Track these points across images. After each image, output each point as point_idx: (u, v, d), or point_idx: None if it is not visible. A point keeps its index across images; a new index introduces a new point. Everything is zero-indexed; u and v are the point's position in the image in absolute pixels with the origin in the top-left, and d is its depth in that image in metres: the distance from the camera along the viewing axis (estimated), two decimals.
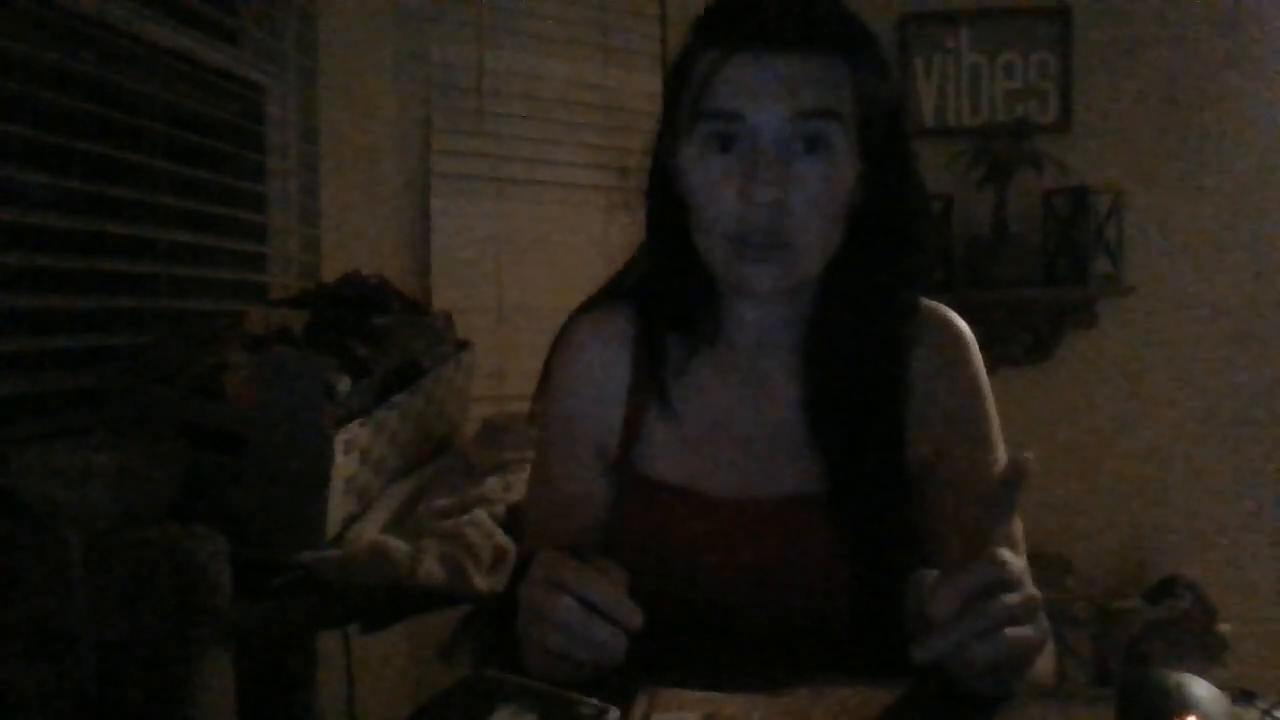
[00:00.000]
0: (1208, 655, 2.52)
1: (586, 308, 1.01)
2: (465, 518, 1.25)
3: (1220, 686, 0.64)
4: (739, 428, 0.94)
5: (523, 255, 2.31)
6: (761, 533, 0.89)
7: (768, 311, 0.94)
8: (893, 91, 0.89)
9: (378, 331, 1.34)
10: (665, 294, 0.95)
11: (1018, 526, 0.93)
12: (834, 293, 0.92)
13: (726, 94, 0.83)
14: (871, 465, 0.89)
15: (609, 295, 1.01)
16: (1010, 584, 0.67)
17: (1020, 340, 2.85)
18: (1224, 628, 2.59)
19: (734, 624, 0.90)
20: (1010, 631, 0.66)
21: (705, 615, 0.90)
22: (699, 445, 0.93)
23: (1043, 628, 0.70)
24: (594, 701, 0.65)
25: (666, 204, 0.92)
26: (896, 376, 0.92)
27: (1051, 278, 2.78)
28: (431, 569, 1.17)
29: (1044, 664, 0.82)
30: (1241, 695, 0.69)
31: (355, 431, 1.22)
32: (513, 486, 1.36)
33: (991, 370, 0.98)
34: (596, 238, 2.41)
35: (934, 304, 0.98)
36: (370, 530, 1.23)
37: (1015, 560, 0.69)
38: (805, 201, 0.84)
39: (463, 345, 1.57)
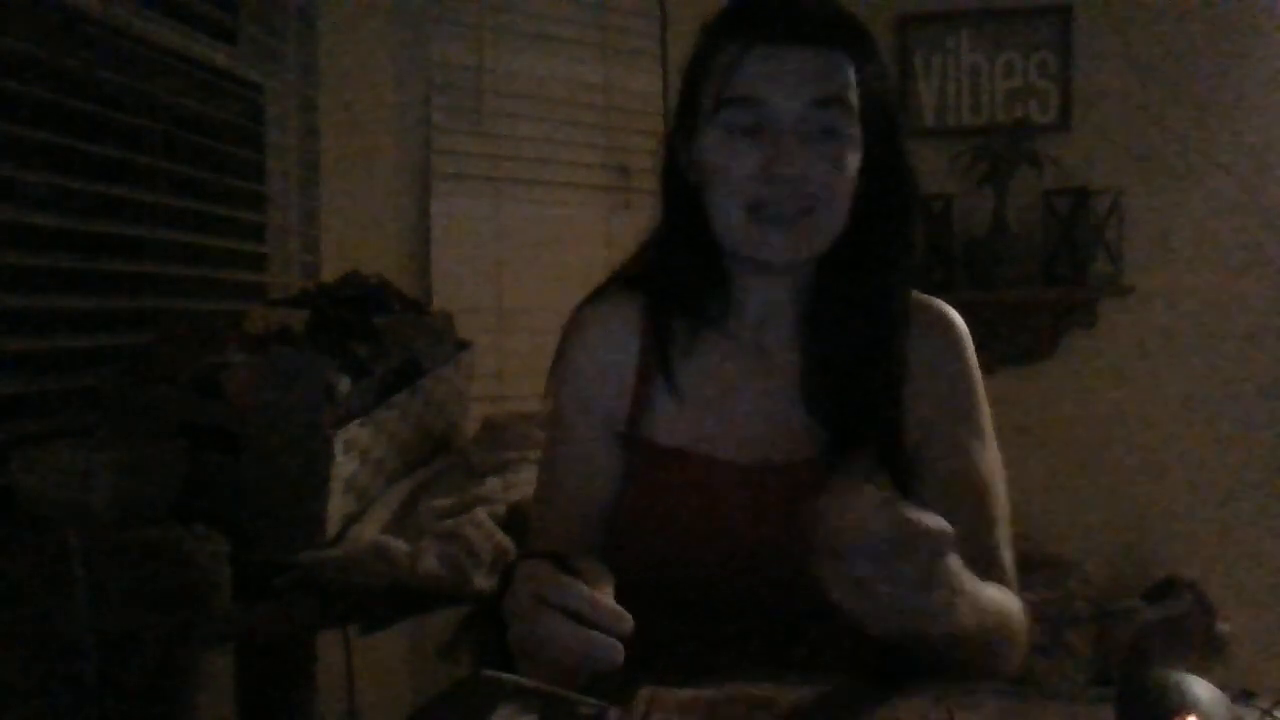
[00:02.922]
0: (1208, 655, 2.52)
1: (596, 295, 1.06)
2: (465, 518, 1.25)
3: (1220, 686, 0.64)
4: (742, 397, 0.98)
5: (523, 255, 2.31)
6: (763, 494, 0.93)
7: (770, 291, 0.99)
8: (889, 87, 0.95)
9: (378, 331, 1.34)
10: (674, 279, 1.00)
11: (1004, 514, 0.97)
12: (831, 273, 0.98)
13: (749, 82, 0.90)
14: (867, 431, 0.94)
15: (617, 284, 1.06)
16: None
17: (1020, 340, 2.85)
18: (1224, 628, 2.59)
19: (737, 586, 0.92)
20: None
21: (709, 578, 0.92)
22: (704, 414, 0.98)
23: (938, 602, 0.66)
24: (594, 701, 0.65)
25: (680, 192, 0.98)
26: (891, 350, 0.97)
27: (1051, 278, 2.78)
28: (431, 568, 1.17)
29: (1009, 656, 0.86)
30: (1241, 695, 0.69)
31: (355, 431, 1.22)
32: (513, 486, 1.36)
33: (991, 370, 0.99)
34: (596, 238, 2.41)
35: (929, 298, 1.03)
36: (370, 530, 1.23)
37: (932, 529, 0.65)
38: (823, 177, 0.90)
39: (463, 345, 1.57)
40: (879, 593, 0.64)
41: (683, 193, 0.97)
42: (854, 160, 0.92)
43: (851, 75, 0.91)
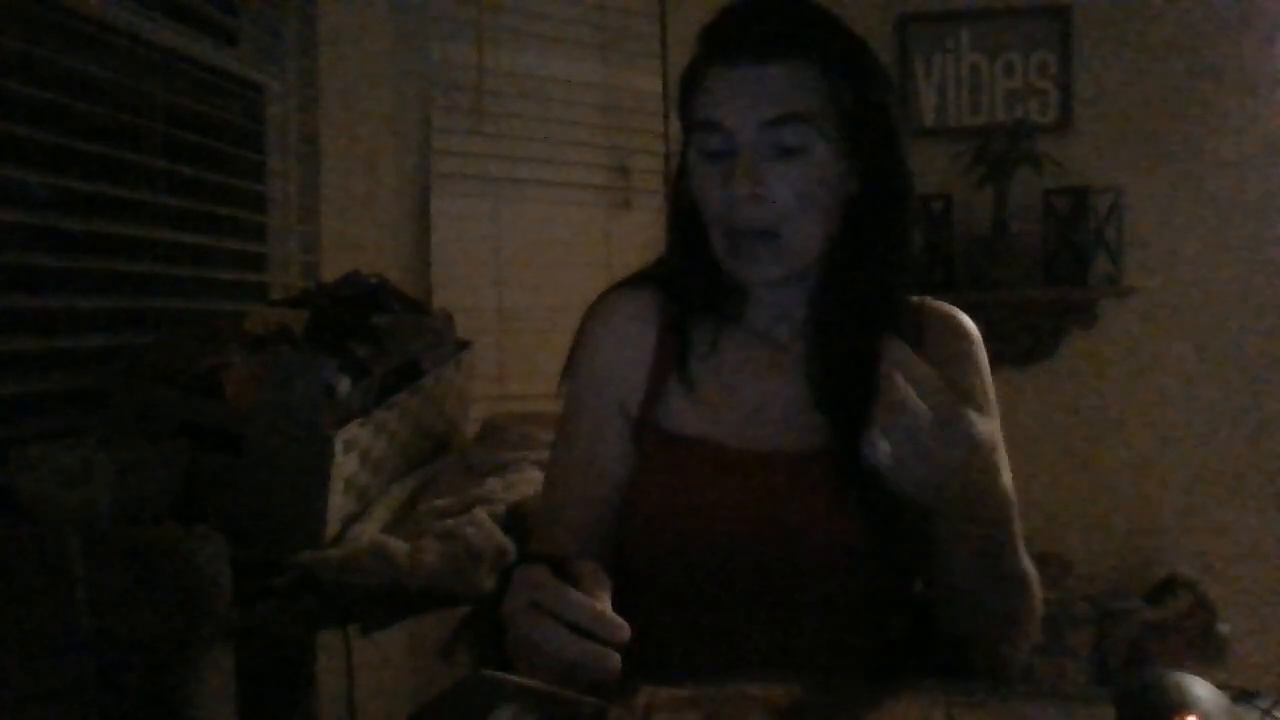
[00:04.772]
0: (1208, 655, 2.52)
1: (616, 287, 1.08)
2: (465, 518, 1.25)
3: (1220, 686, 0.64)
4: (753, 389, 1.00)
5: (523, 255, 2.31)
6: (772, 482, 0.95)
7: (779, 294, 1.01)
8: (878, 88, 0.95)
9: (378, 331, 1.34)
10: (690, 281, 1.03)
11: (1017, 516, 0.96)
12: (835, 272, 1.00)
13: (706, 105, 0.93)
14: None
15: (637, 278, 1.08)
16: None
17: (1020, 340, 2.85)
18: (1224, 628, 2.59)
19: (744, 572, 0.92)
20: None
21: (717, 564, 0.93)
22: (716, 404, 1.00)
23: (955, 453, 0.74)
24: (594, 701, 0.65)
25: (685, 202, 1.00)
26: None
27: (1051, 278, 2.78)
28: (431, 569, 1.17)
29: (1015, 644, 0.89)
30: (1241, 695, 0.69)
31: (355, 431, 1.22)
32: (513, 486, 1.36)
33: (991, 370, 0.99)
34: (596, 238, 2.40)
35: (944, 304, 1.05)
36: (370, 530, 1.23)
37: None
38: (786, 196, 0.91)
39: (463, 345, 1.57)
40: (930, 455, 0.72)
41: (688, 207, 1.00)
42: (824, 170, 0.92)
43: (818, 85, 0.91)
